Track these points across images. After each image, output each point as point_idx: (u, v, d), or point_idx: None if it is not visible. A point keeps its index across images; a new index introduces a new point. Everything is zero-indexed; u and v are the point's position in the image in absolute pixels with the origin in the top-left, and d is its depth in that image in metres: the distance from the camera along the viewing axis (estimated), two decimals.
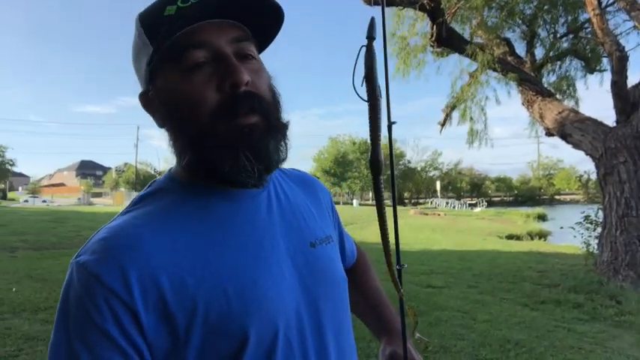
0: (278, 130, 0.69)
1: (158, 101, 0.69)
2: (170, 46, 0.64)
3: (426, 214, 29.06)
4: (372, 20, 0.64)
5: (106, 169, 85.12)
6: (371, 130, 0.55)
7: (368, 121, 0.57)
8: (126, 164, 68.62)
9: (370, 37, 0.52)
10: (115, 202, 40.75)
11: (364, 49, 0.64)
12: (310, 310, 0.71)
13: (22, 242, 10.16)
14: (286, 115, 0.73)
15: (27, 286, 5.81)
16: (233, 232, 0.68)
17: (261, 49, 0.75)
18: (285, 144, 0.70)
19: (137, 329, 0.58)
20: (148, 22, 0.66)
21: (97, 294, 0.57)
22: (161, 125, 0.71)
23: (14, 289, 5.58)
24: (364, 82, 0.64)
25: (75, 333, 0.58)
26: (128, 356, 0.57)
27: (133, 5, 0.69)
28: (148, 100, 0.72)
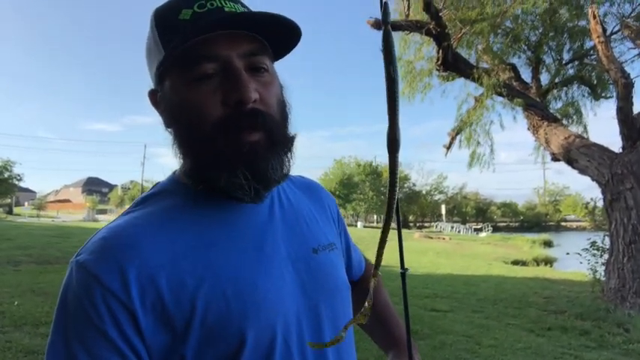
0: (281, 146, 0.68)
1: (164, 103, 0.70)
2: (181, 54, 0.63)
3: (431, 238, 28.85)
4: (386, 5, 0.64)
5: (112, 187, 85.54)
6: (389, 106, 0.49)
7: (386, 98, 0.50)
8: (132, 182, 69.02)
9: (386, 21, 0.52)
10: None
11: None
12: (310, 315, 0.70)
13: (26, 256, 10.15)
14: (293, 128, 0.72)
15: (29, 300, 5.79)
16: (234, 235, 0.68)
17: (277, 58, 0.74)
18: (289, 159, 0.70)
19: (135, 330, 0.58)
20: (162, 23, 0.67)
21: (96, 294, 0.57)
22: (167, 125, 0.71)
23: (16, 303, 5.56)
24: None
25: (73, 333, 0.57)
26: (126, 357, 0.57)
27: (144, 27, 0.70)
28: (156, 99, 0.72)
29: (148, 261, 0.60)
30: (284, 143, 0.69)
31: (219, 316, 0.61)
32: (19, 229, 17.65)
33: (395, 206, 0.58)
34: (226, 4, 0.66)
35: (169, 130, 0.70)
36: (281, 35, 0.69)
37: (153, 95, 0.73)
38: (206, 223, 0.67)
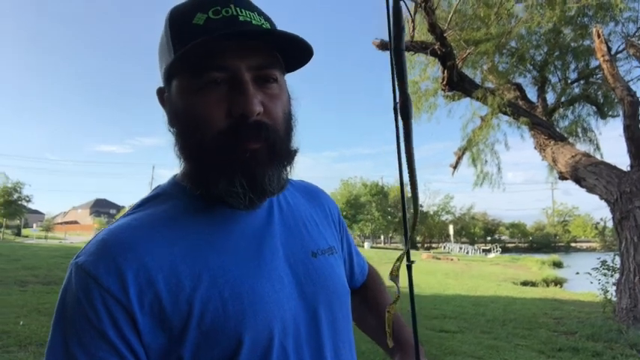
0: (281, 158, 0.68)
1: (170, 104, 0.70)
2: (190, 62, 0.63)
3: (439, 259, 28.59)
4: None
5: (119, 208, 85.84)
6: (398, 77, 0.52)
7: (393, 71, 0.53)
8: None
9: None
10: None
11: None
12: (308, 318, 0.70)
13: (33, 277, 10.17)
14: (298, 144, 0.72)
15: (34, 320, 5.77)
16: (232, 237, 0.68)
17: (288, 70, 0.74)
18: (287, 172, 0.70)
19: (133, 331, 0.58)
20: (176, 25, 0.67)
21: (94, 295, 0.58)
22: (170, 125, 0.71)
23: (22, 323, 5.55)
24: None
25: (72, 334, 0.58)
26: (124, 358, 0.57)
27: (154, 48, 0.70)
28: (163, 98, 0.73)
29: (146, 262, 0.61)
30: (284, 156, 0.69)
31: (216, 318, 0.61)
32: (26, 249, 17.71)
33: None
34: (241, 12, 0.66)
35: (172, 129, 0.70)
36: (293, 51, 0.69)
37: (161, 93, 0.73)
38: (204, 226, 0.67)
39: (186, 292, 0.61)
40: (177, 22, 0.67)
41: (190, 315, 0.60)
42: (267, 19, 0.71)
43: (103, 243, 0.62)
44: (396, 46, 0.57)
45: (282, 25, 0.72)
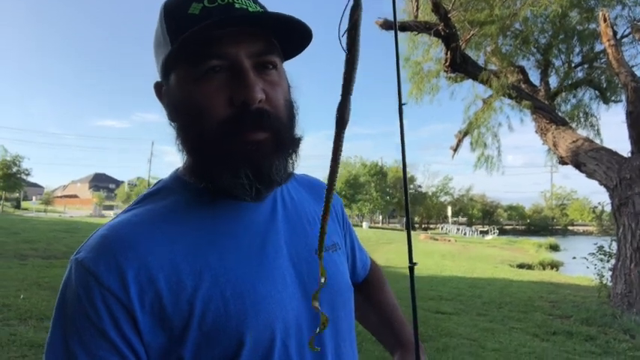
0: (287, 146, 0.67)
1: (169, 97, 0.69)
2: (188, 50, 0.62)
3: (436, 240, 28.77)
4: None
5: (119, 183, 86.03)
6: (345, 80, 0.49)
7: (343, 74, 0.50)
8: (139, 178, 69.36)
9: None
10: None
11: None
12: (310, 317, 0.69)
13: (33, 250, 10.24)
14: (300, 129, 0.71)
15: (34, 294, 5.83)
16: (235, 235, 0.67)
17: (287, 58, 0.73)
18: (293, 160, 0.69)
19: (134, 329, 0.58)
20: (171, 16, 0.65)
21: (95, 293, 0.57)
22: (171, 119, 0.70)
23: (22, 297, 5.59)
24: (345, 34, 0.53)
25: (72, 332, 0.57)
26: (125, 357, 0.57)
27: (154, 26, 0.68)
28: (161, 92, 0.71)
29: (147, 261, 0.60)
30: (289, 144, 0.67)
31: (217, 317, 0.60)
32: (26, 223, 17.78)
33: (406, 202, 0.58)
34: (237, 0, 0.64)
35: (173, 124, 0.69)
36: (291, 36, 0.67)
37: (158, 88, 0.72)
38: (207, 223, 0.66)
39: (187, 291, 0.60)
40: (172, 13, 0.66)
41: (191, 315, 0.59)
42: (263, 7, 0.69)
43: (103, 239, 0.61)
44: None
45: (277, 6, 0.70)
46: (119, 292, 0.57)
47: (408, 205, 0.69)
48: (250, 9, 0.65)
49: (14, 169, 40.24)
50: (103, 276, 0.58)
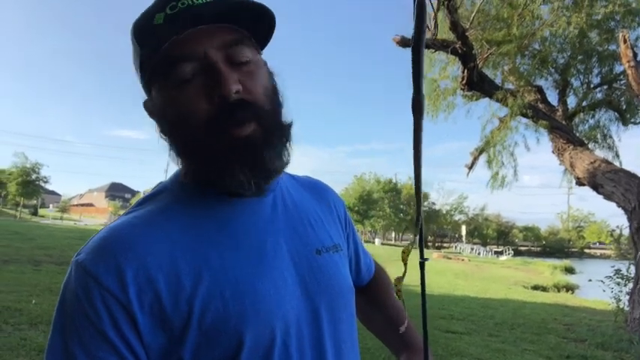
0: (277, 134, 0.67)
1: (156, 112, 0.69)
2: (159, 60, 0.63)
3: (450, 259, 28.45)
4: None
5: (134, 193, 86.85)
6: (414, 71, 0.53)
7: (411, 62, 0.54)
8: None
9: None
10: None
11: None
12: (311, 318, 0.69)
13: (47, 257, 10.38)
14: (289, 116, 0.71)
15: (46, 299, 5.88)
16: (235, 235, 0.67)
17: (262, 46, 0.73)
18: (287, 147, 0.69)
19: (133, 331, 0.58)
20: (138, 32, 0.66)
21: (94, 294, 0.57)
22: (162, 132, 0.70)
23: (34, 301, 5.65)
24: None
25: (72, 333, 0.57)
26: (124, 358, 0.57)
27: None
28: (149, 109, 0.72)
29: (146, 261, 0.60)
30: (278, 131, 0.67)
31: (216, 318, 0.60)
32: (41, 229, 18.05)
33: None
34: (197, 0, 0.63)
35: (164, 137, 0.70)
36: (255, 22, 0.68)
37: (147, 106, 0.72)
38: (206, 223, 0.67)
39: (186, 291, 0.60)
40: (139, 29, 0.66)
41: (191, 315, 0.59)
42: None
43: (103, 241, 0.62)
44: (415, 44, 0.56)
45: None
46: (118, 293, 0.57)
47: (421, 201, 0.69)
48: (203, 2, 0.63)
49: (33, 177, 40.97)
50: (102, 277, 0.58)
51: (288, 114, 0.71)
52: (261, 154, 0.64)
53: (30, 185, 40.80)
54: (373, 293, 1.00)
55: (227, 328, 0.60)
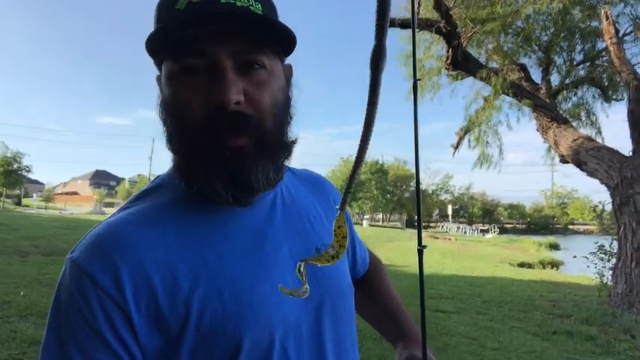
0: (272, 152, 0.64)
1: (160, 91, 0.68)
2: (171, 46, 0.61)
3: (437, 238, 28.76)
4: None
5: (119, 180, 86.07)
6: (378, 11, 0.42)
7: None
8: (139, 176, 69.41)
9: None
10: None
11: None
12: (310, 319, 0.68)
13: (34, 247, 10.24)
14: (294, 131, 0.68)
15: (35, 291, 5.83)
16: (233, 234, 0.66)
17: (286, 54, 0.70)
18: (280, 166, 0.66)
19: (129, 331, 0.57)
20: (160, 11, 0.64)
21: (90, 293, 0.56)
22: (160, 117, 0.67)
23: (22, 293, 5.60)
24: None
25: (67, 332, 0.56)
26: (120, 358, 0.56)
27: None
28: (160, 86, 0.69)
29: (142, 261, 0.59)
30: (275, 150, 0.65)
31: (214, 320, 0.59)
32: (26, 219, 17.79)
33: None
34: None
35: (161, 120, 0.67)
36: (279, 36, 0.64)
37: (159, 82, 0.70)
38: (203, 222, 0.65)
39: (183, 292, 0.59)
40: (162, 8, 0.64)
41: (188, 317, 0.58)
42: None
43: (98, 238, 0.60)
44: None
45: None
46: (114, 293, 0.56)
47: (419, 186, 0.68)
48: (238, 3, 0.61)
49: (15, 166, 40.28)
50: (98, 276, 0.57)
51: (292, 130, 0.68)
52: (247, 169, 0.61)
53: (12, 175, 40.09)
54: (369, 284, 1.00)
55: (225, 330, 0.59)
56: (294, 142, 0.68)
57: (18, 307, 5.02)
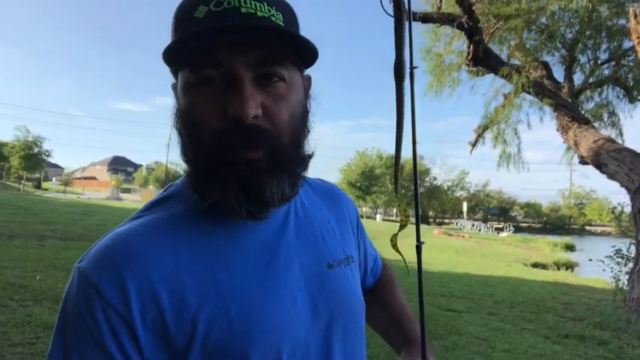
0: (287, 167, 0.62)
1: (176, 100, 0.66)
2: (188, 56, 0.59)
3: (450, 235, 28.58)
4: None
5: (137, 166, 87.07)
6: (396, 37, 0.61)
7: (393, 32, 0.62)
8: (157, 163, 70.07)
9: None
10: (143, 199, 41.56)
11: None
12: (319, 337, 0.67)
13: (51, 232, 10.45)
14: (311, 145, 0.67)
15: (50, 275, 5.94)
16: (243, 248, 0.64)
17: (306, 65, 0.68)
18: (296, 182, 0.64)
19: (134, 346, 0.56)
20: (179, 17, 0.62)
21: (96, 306, 0.56)
22: (174, 123, 0.66)
23: (38, 277, 5.71)
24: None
25: (72, 344, 0.56)
26: None
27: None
28: (176, 94, 0.68)
29: (150, 275, 0.58)
30: (290, 165, 0.63)
31: (221, 338, 0.58)
32: (45, 204, 18.13)
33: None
34: (245, 3, 0.59)
35: (176, 129, 0.66)
36: (298, 48, 0.62)
37: (175, 90, 0.69)
38: (215, 235, 0.64)
39: (190, 310, 0.58)
40: (180, 15, 0.62)
41: (194, 334, 0.57)
42: (282, 8, 0.63)
43: (107, 250, 0.60)
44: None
45: None
46: (121, 307, 0.56)
47: (417, 177, 0.70)
48: (260, 13, 0.59)
49: (35, 150, 41.07)
50: (105, 289, 0.56)
51: (310, 144, 0.67)
52: (261, 183, 0.60)
53: (32, 159, 40.96)
54: (379, 293, 0.99)
55: (232, 348, 0.58)
56: (310, 156, 0.67)
57: (34, 291, 5.11)
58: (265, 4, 0.60)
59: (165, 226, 0.63)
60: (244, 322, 0.59)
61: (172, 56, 0.61)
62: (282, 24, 0.61)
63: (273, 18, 0.60)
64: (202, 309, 0.58)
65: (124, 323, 0.56)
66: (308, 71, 0.71)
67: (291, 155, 0.63)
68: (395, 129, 0.67)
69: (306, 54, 0.63)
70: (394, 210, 55.89)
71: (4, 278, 5.53)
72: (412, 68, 0.71)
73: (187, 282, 0.59)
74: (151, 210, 0.67)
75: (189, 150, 0.63)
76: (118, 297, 0.56)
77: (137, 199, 44.71)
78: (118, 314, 0.56)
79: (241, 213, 0.60)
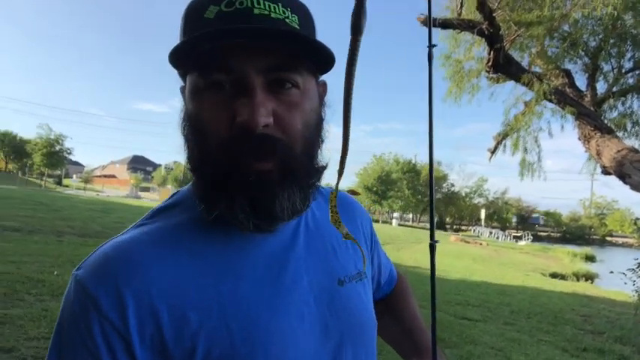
0: (299, 179, 0.59)
1: (183, 104, 0.64)
2: (197, 59, 0.56)
3: (468, 242, 28.27)
4: None
5: (156, 166, 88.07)
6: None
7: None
8: (175, 162, 70.80)
9: None
10: (161, 198, 42.01)
11: None
12: (328, 359, 0.63)
13: (70, 228, 10.63)
14: (325, 156, 0.63)
15: (68, 271, 6.01)
16: (251, 261, 0.61)
17: (322, 72, 0.65)
18: (307, 195, 0.61)
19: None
20: (188, 17, 0.59)
21: (92, 318, 0.54)
22: (181, 128, 0.64)
23: (55, 273, 5.80)
24: None
25: (67, 353, 0.55)
26: None
27: None
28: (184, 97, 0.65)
29: (149, 289, 0.55)
30: (303, 177, 0.59)
31: (222, 355, 0.55)
32: (66, 200, 18.46)
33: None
34: (259, 4, 0.55)
35: (184, 135, 0.63)
36: (312, 54, 0.58)
37: (183, 93, 0.66)
38: (220, 246, 0.61)
39: (191, 326, 0.55)
40: (189, 14, 0.59)
41: (194, 352, 0.55)
42: (297, 10, 0.60)
43: (106, 259, 0.57)
44: None
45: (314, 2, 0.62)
46: (117, 321, 0.54)
47: (433, 177, 0.65)
48: (274, 14, 0.56)
49: (57, 148, 41.95)
50: (102, 302, 0.54)
51: (323, 154, 0.63)
52: (271, 196, 0.57)
53: (54, 156, 41.84)
54: (392, 304, 0.96)
55: None
56: (324, 167, 0.64)
57: (51, 286, 5.20)
58: (280, 5, 0.57)
59: (169, 235, 0.61)
60: (247, 342, 0.57)
61: (180, 58, 0.57)
62: (298, 27, 0.58)
63: (287, 20, 0.57)
64: (203, 326, 0.56)
65: (120, 338, 0.54)
66: (324, 76, 0.68)
67: (304, 167, 0.60)
68: (343, 103, 0.54)
69: (322, 60, 0.60)
70: (410, 215, 55.56)
71: (23, 272, 5.63)
72: (431, 46, 0.67)
73: (189, 295, 0.56)
74: (155, 218, 0.64)
75: (195, 158, 0.60)
76: (115, 311, 0.54)
77: (155, 198, 45.24)
78: (114, 328, 0.53)
79: (248, 226, 0.58)
